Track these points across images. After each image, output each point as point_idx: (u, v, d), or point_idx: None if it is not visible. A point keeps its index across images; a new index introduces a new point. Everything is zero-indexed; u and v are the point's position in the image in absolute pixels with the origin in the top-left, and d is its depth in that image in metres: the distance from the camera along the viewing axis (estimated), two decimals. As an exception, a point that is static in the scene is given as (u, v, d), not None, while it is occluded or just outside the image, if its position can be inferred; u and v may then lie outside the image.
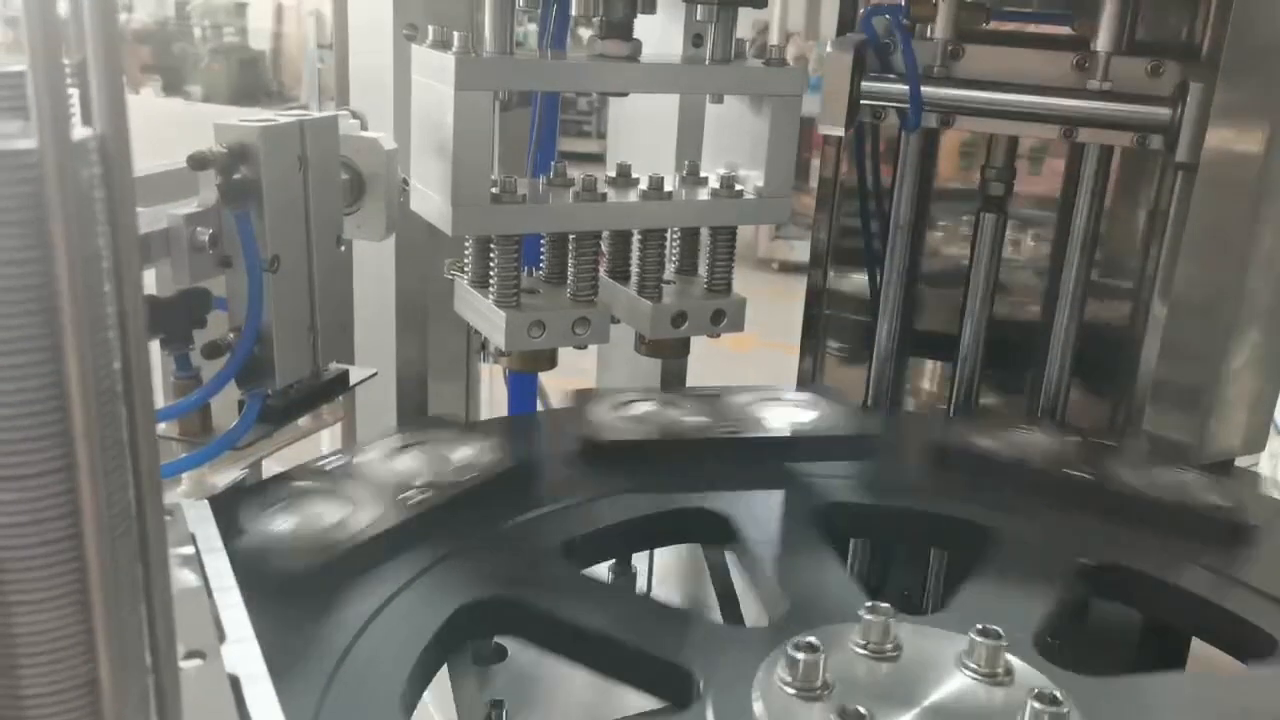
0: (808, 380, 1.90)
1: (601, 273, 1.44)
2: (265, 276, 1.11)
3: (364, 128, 1.35)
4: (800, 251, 7.37)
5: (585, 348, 1.44)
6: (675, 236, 1.50)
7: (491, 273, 1.34)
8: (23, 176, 0.42)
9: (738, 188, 1.43)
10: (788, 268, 7.41)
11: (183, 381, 1.14)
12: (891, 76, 1.59)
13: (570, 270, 1.38)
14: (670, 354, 1.52)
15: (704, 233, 1.48)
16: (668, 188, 1.39)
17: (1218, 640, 1.24)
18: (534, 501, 1.31)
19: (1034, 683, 1.00)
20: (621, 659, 1.08)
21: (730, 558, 1.42)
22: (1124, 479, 1.41)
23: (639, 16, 1.38)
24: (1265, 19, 1.35)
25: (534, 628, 1.14)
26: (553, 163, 1.43)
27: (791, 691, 0.97)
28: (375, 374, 1.39)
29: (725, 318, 1.46)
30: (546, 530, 1.26)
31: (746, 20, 1.44)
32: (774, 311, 2.51)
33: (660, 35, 1.61)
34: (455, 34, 1.23)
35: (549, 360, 1.43)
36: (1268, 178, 1.37)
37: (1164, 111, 1.47)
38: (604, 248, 1.45)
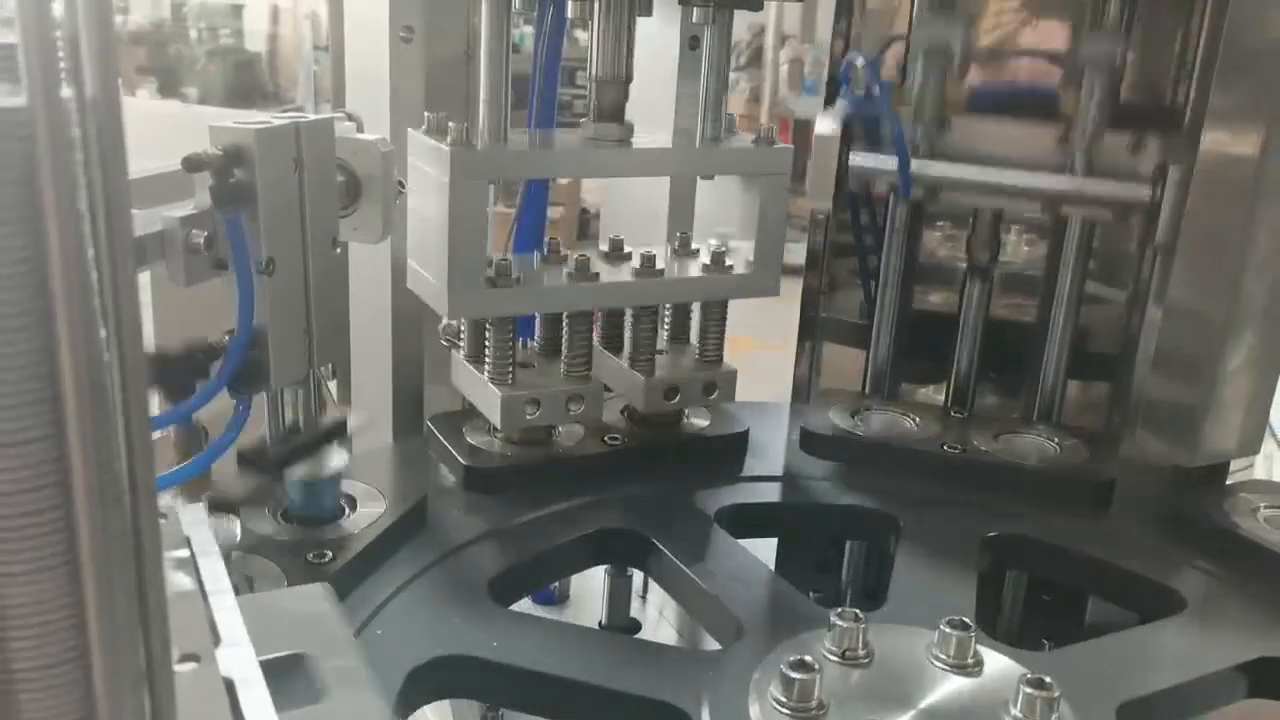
0: (804, 384, 1.90)
1: (595, 342, 1.46)
2: (260, 279, 1.11)
3: (360, 130, 1.34)
4: (795, 254, 7.34)
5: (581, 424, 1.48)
6: (667, 307, 1.52)
7: (486, 350, 1.36)
8: (13, 134, 0.42)
9: (728, 262, 1.46)
10: (785, 270, 7.38)
11: (188, 439, 1.14)
12: (882, 144, 1.62)
13: (564, 347, 1.41)
14: (661, 425, 1.54)
15: (696, 305, 1.51)
16: (659, 264, 1.42)
17: (1118, 599, 1.38)
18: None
19: (1001, 667, 1.02)
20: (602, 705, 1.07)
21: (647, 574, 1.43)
22: (990, 449, 1.52)
23: (637, 19, 1.39)
24: (1261, 22, 1.35)
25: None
26: (546, 240, 1.46)
27: (787, 714, 0.97)
28: (374, 423, 1.41)
29: (717, 390, 1.49)
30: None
31: (741, 23, 1.45)
32: (769, 314, 2.51)
33: (658, 38, 1.62)
34: (450, 123, 1.27)
35: (545, 434, 1.47)
36: (1263, 181, 1.37)
37: (1144, 192, 1.50)
38: (597, 316, 1.48)
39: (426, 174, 1.31)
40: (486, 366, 1.38)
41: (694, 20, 1.41)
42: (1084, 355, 1.71)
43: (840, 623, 1.05)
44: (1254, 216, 1.39)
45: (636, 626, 1.70)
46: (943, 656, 1.04)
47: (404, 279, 1.43)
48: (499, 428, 1.42)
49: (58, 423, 0.45)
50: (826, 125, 1.57)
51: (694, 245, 1.51)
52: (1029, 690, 0.97)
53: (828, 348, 1.91)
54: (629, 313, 1.47)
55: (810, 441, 1.55)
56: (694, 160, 1.48)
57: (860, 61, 1.62)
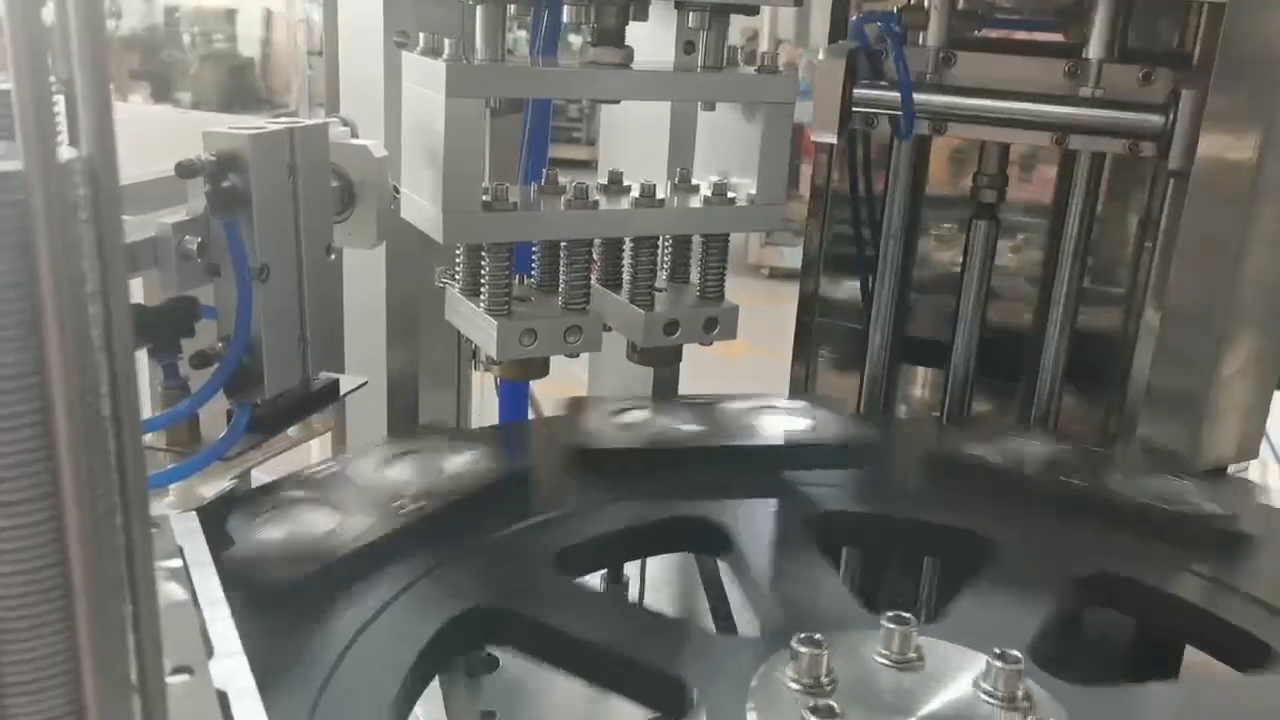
0: (800, 388, 1.89)
1: (593, 281, 1.43)
2: (255, 285, 1.10)
3: (354, 135, 1.34)
4: (790, 258, 7.37)
5: (577, 356, 1.43)
6: (667, 244, 1.49)
7: (483, 280, 1.33)
8: (8, 199, 0.42)
9: (730, 195, 1.42)
10: (778, 274, 7.41)
11: (171, 391, 1.13)
12: (884, 84, 1.59)
13: (562, 278, 1.37)
14: (662, 362, 1.51)
15: (696, 241, 1.47)
16: (660, 195, 1.39)
17: (1213, 649, 1.23)
18: (526, 511, 1.29)
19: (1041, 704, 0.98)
20: (614, 669, 1.07)
21: (724, 567, 1.41)
22: (1118, 487, 1.40)
23: (631, 24, 1.38)
24: (1256, 27, 1.35)
25: (524, 638, 1.13)
26: (544, 170, 1.42)
27: (796, 687, 0.96)
28: (365, 383, 1.38)
29: (718, 326, 1.45)
30: (539, 540, 1.24)
31: (736, 27, 1.44)
32: (765, 318, 2.51)
33: (652, 42, 1.61)
34: (446, 41, 1.22)
35: (541, 368, 1.42)
36: (1260, 185, 1.37)
37: (1156, 118, 1.47)
38: (596, 256, 1.45)
39: (421, 95, 1.27)
40: (482, 298, 1.34)
41: (690, 25, 1.40)
42: (1082, 359, 1.71)
43: (890, 625, 1.03)
44: (1251, 221, 1.38)
45: None
46: (987, 687, 1.00)
47: (399, 284, 1.42)
48: (495, 358, 1.38)
49: (49, 435, 0.45)
50: (830, 55, 1.55)
51: (695, 181, 1.49)
52: (995, 663, 0.96)
53: (825, 350, 1.90)
54: (628, 249, 1.44)
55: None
56: (696, 85, 1.42)
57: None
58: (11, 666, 0.47)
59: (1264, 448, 1.57)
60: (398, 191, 1.36)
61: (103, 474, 0.47)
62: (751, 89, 1.41)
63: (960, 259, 1.73)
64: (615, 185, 1.41)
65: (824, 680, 0.97)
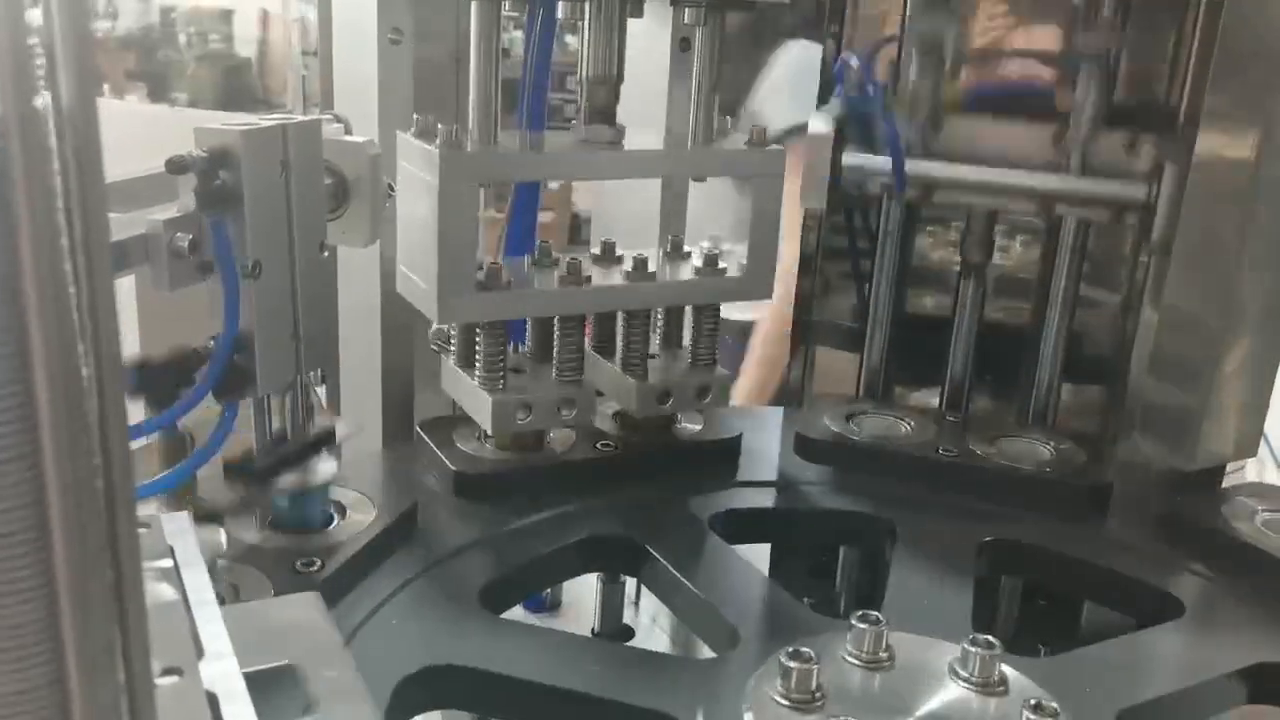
0: (797, 388, 1.89)
1: (587, 346, 1.45)
2: (247, 283, 1.09)
3: (348, 132, 1.33)
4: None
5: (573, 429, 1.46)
6: (659, 311, 1.51)
7: (477, 355, 1.35)
8: None
9: (721, 264, 1.44)
10: (775, 274, 7.39)
11: (172, 446, 1.12)
12: (877, 143, 1.61)
13: (555, 351, 1.39)
14: (655, 428, 1.53)
15: (689, 307, 1.49)
16: (651, 267, 1.40)
17: (1115, 604, 1.37)
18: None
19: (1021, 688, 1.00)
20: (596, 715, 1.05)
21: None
22: (986, 453, 1.51)
23: (628, 19, 1.38)
24: (1255, 25, 1.35)
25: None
26: (537, 243, 1.45)
27: (785, 704, 0.96)
28: (362, 431, 1.39)
29: (710, 394, 1.47)
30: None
31: (730, 25, 1.44)
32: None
33: (647, 41, 1.61)
34: (439, 125, 1.25)
35: (536, 441, 1.45)
36: (1258, 184, 1.37)
37: (1139, 191, 1.49)
38: (589, 323, 1.46)
39: (416, 177, 1.30)
40: (477, 371, 1.36)
41: (685, 21, 1.40)
42: (1079, 359, 1.70)
43: (861, 625, 1.03)
44: (1249, 219, 1.38)
45: (629, 633, 1.69)
46: (965, 675, 1.02)
47: (393, 283, 1.41)
48: (490, 433, 1.40)
49: (33, 430, 0.44)
50: (820, 124, 1.56)
51: (686, 248, 1.50)
52: (972, 649, 0.98)
53: (821, 351, 1.90)
54: (621, 317, 1.46)
55: (804, 446, 1.54)
56: (686, 162, 1.47)
57: (854, 61, 1.61)
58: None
59: (1262, 447, 1.57)
60: (392, 189, 1.36)
61: (86, 465, 0.46)
62: (742, 164, 1.46)
63: (957, 255, 1.73)
64: (607, 256, 1.44)
65: (815, 694, 0.97)
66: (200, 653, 0.75)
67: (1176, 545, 1.36)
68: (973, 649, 1.01)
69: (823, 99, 1.67)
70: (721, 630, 1.16)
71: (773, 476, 1.53)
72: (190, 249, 1.04)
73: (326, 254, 1.21)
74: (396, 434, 1.63)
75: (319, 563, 1.15)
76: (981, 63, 1.69)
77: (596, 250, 1.46)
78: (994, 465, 1.49)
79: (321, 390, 1.51)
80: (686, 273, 1.46)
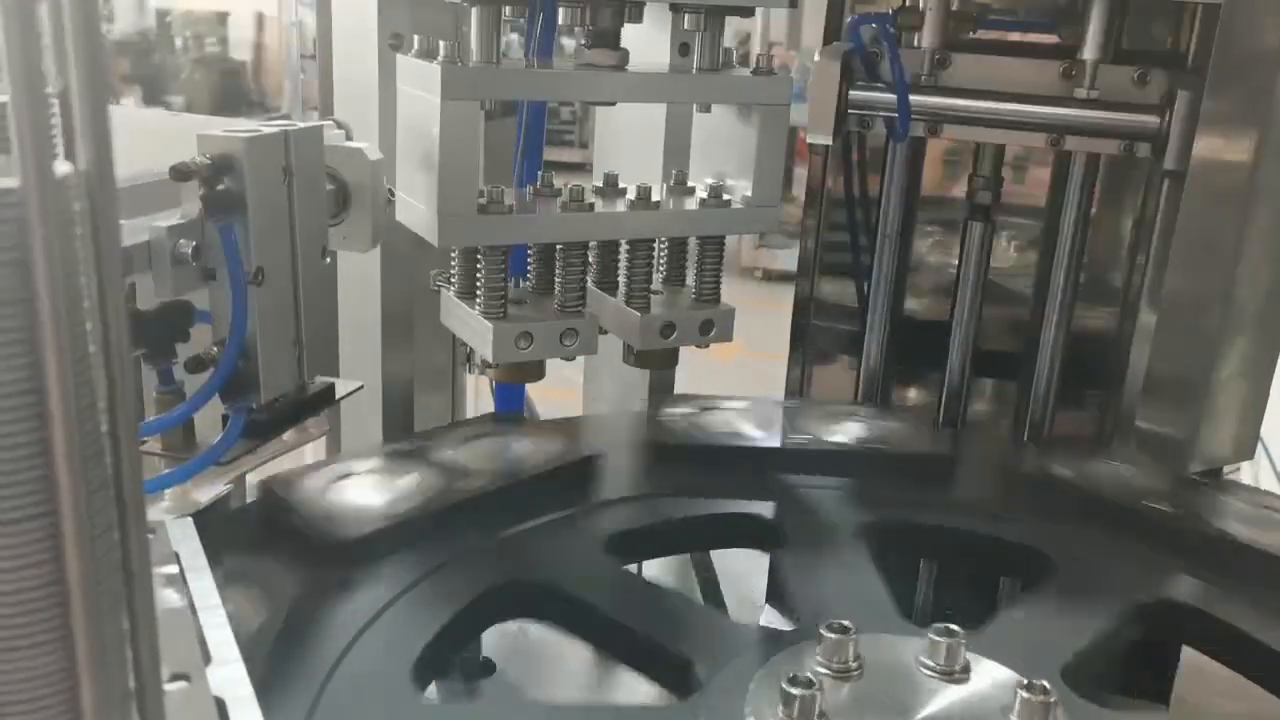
0: (796, 389, 1.89)
1: (589, 283, 1.43)
2: (250, 289, 1.10)
3: (349, 138, 1.33)
4: (784, 260, 7.37)
5: (573, 359, 1.43)
6: (663, 247, 1.49)
7: (478, 284, 1.32)
8: (5, 216, 0.41)
9: (725, 197, 1.42)
10: (772, 276, 7.42)
11: (165, 396, 1.13)
12: (879, 85, 1.59)
13: (558, 281, 1.36)
14: (659, 365, 1.50)
15: (692, 243, 1.47)
16: (655, 198, 1.38)
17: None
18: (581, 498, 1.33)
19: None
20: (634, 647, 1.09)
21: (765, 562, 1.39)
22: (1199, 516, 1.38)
23: (626, 27, 1.38)
24: (1252, 28, 1.35)
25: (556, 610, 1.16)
26: (539, 173, 1.42)
27: (823, 670, 0.98)
28: (360, 387, 1.37)
29: (714, 328, 1.44)
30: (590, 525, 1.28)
31: (729, 30, 1.44)
32: (758, 321, 2.50)
33: (646, 44, 1.61)
34: (441, 43, 1.22)
35: (537, 371, 1.41)
36: (1255, 186, 1.37)
37: (1151, 119, 1.47)
38: (591, 258, 1.44)
39: (416, 97, 1.27)
40: (478, 300, 1.33)
41: (685, 27, 1.40)
42: (1077, 361, 1.71)
43: (830, 635, 1.03)
44: (1246, 222, 1.38)
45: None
46: (931, 664, 1.03)
47: (393, 286, 1.42)
48: (491, 361, 1.36)
49: (46, 449, 0.44)
50: (826, 57, 1.55)
51: (690, 184, 1.48)
52: (1025, 695, 0.96)
53: (820, 355, 1.90)
54: (624, 252, 1.43)
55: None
56: (691, 87, 1.42)
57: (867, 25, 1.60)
58: (8, 676, 0.46)
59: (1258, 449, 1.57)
60: (392, 194, 1.36)
61: (100, 487, 0.47)
62: (747, 91, 1.41)
63: (955, 260, 1.73)
64: (610, 188, 1.40)
65: (851, 665, 0.98)
66: (208, 658, 0.76)
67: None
68: (939, 639, 1.01)
69: (830, 34, 1.66)
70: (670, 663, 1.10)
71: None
72: (194, 255, 1.04)
73: (328, 259, 1.21)
74: (396, 438, 1.63)
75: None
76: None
77: (599, 183, 1.42)
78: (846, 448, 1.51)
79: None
80: (690, 205, 1.43)
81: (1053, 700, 0.95)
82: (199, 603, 0.82)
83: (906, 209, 1.71)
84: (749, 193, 1.42)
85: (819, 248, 1.83)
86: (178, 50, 10.95)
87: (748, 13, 1.40)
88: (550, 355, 1.37)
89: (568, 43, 1.57)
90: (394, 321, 1.58)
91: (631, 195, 1.37)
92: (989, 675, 1.02)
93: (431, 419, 1.73)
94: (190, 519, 0.95)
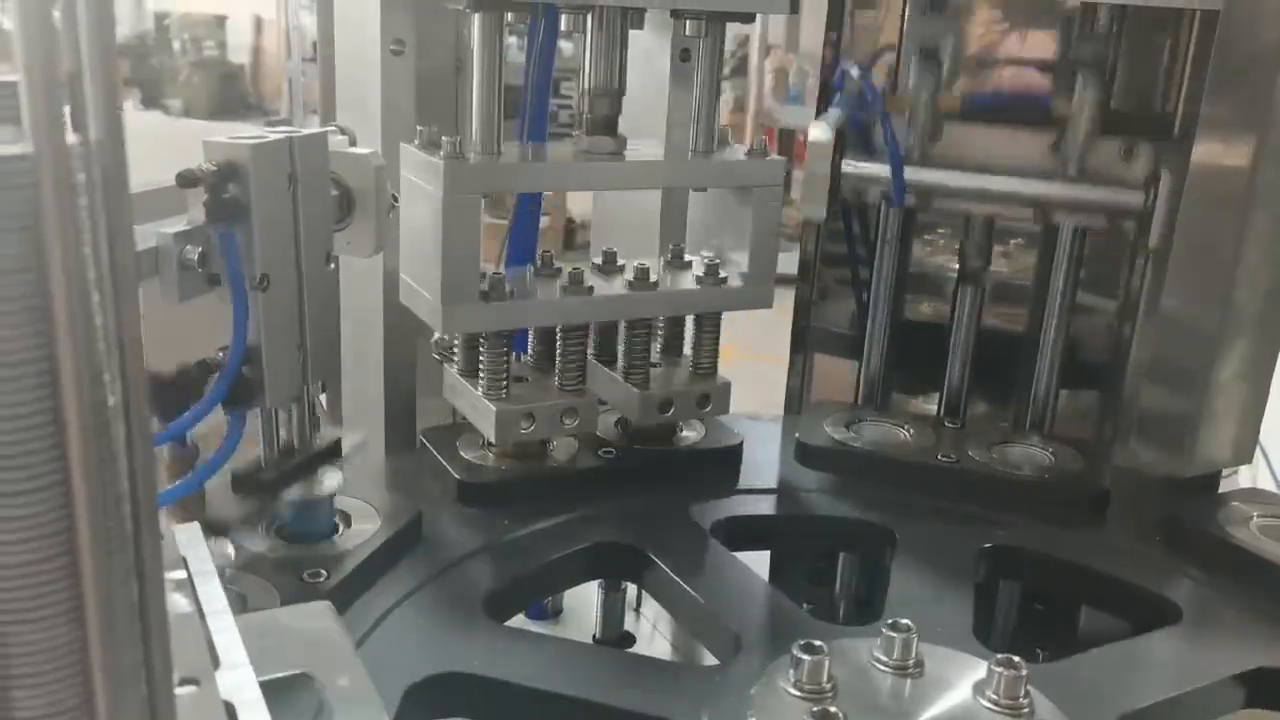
0: (796, 396, 1.89)
1: (589, 355, 1.45)
2: (255, 295, 1.10)
3: (353, 143, 1.34)
4: (781, 263, 7.36)
5: (575, 437, 1.47)
6: (660, 321, 1.51)
7: (480, 364, 1.35)
8: (17, 183, 0.42)
9: (722, 274, 1.45)
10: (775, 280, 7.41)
11: (182, 459, 1.13)
12: (875, 152, 1.63)
13: (558, 361, 1.40)
14: (656, 438, 1.53)
15: (690, 316, 1.50)
16: (653, 276, 1.41)
17: (1112, 609, 1.40)
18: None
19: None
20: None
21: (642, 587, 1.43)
22: (985, 459, 1.53)
23: (629, 31, 1.39)
24: (1250, 33, 1.36)
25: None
26: (539, 252, 1.45)
27: (797, 694, 0.98)
28: (365, 441, 1.39)
29: (711, 403, 1.49)
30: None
31: (727, 33, 1.45)
32: (756, 324, 2.51)
33: (647, 50, 1.62)
34: (443, 137, 1.26)
35: (539, 448, 1.46)
36: (1254, 190, 1.38)
37: (1136, 197, 1.52)
38: (590, 333, 1.47)
39: (420, 188, 1.30)
40: (480, 381, 1.37)
41: (686, 33, 1.41)
42: (1076, 365, 1.71)
43: (893, 634, 1.04)
44: (1245, 226, 1.39)
45: (630, 640, 1.69)
46: (991, 695, 1.02)
47: (396, 291, 1.42)
48: (493, 442, 1.41)
49: (57, 425, 0.44)
50: (819, 132, 1.57)
51: (687, 257, 1.51)
52: (998, 669, 0.98)
53: (820, 358, 1.90)
54: (622, 326, 1.47)
55: (805, 454, 1.55)
56: (687, 172, 1.47)
57: (855, 70, 1.62)
58: (19, 665, 0.47)
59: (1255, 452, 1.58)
60: (395, 200, 1.37)
61: (109, 457, 0.47)
62: (741, 174, 1.46)
63: (954, 262, 1.74)
64: (609, 265, 1.44)
65: (825, 687, 0.98)
66: (216, 663, 0.76)
67: (1173, 551, 1.38)
68: (998, 669, 0.99)
69: (822, 107, 1.68)
70: (724, 638, 1.17)
71: (773, 483, 1.54)
72: (199, 261, 1.04)
73: (332, 265, 1.22)
74: (399, 442, 1.64)
75: (325, 573, 1.15)
76: (979, 70, 1.71)
77: (598, 260, 1.47)
78: (992, 471, 1.50)
79: (323, 398, 1.52)
80: (688, 282, 1.47)
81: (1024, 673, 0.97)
82: (207, 607, 0.83)
83: (905, 218, 1.72)
84: (744, 268, 1.45)
85: (819, 250, 1.84)
86: (176, 53, 10.96)
87: (748, 19, 1.41)
88: (551, 435, 1.43)
89: (565, 45, 1.58)
90: (396, 325, 1.59)
91: (630, 275, 1.41)
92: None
93: (433, 422, 1.73)
94: (196, 524, 0.95)
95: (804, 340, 1.88)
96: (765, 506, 1.49)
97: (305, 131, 1.14)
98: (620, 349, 1.47)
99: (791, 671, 0.99)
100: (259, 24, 10.97)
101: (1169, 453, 1.50)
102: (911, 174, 1.61)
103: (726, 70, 7.84)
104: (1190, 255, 1.46)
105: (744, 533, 1.43)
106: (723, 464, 1.54)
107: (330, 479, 1.23)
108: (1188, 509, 1.43)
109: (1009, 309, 1.81)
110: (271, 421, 1.21)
